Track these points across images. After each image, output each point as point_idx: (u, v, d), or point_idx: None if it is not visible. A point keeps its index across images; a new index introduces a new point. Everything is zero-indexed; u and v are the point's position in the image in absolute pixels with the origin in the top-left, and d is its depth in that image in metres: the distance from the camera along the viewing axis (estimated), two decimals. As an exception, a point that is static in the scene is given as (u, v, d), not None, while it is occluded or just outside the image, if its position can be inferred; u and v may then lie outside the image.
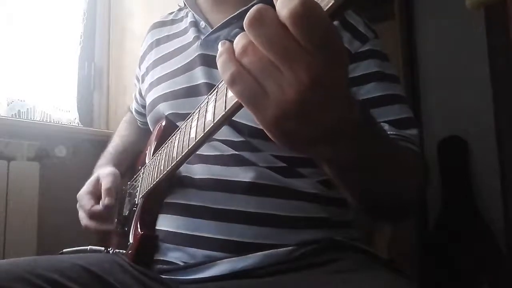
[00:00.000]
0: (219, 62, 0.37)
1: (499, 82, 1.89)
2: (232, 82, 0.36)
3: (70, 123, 1.80)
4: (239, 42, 0.36)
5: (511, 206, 1.81)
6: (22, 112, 1.64)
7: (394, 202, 0.58)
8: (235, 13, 0.77)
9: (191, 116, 0.57)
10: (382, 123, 0.68)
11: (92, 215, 0.83)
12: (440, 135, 2.06)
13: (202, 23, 0.84)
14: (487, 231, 1.89)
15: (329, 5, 0.33)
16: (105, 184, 0.85)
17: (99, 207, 0.83)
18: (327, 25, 0.32)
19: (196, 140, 0.53)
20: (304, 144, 0.38)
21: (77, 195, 0.87)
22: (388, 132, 0.67)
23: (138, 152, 0.98)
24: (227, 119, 0.48)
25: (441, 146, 2.06)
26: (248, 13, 0.34)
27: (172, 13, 0.98)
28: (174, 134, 0.66)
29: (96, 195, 0.85)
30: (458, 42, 2.04)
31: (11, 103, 1.62)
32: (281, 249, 0.68)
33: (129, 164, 0.97)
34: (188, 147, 0.56)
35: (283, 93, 0.34)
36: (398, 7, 2.14)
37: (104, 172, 0.88)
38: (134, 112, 1.09)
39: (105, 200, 0.82)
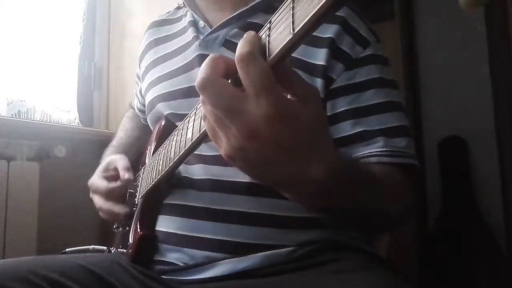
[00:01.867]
0: None
1: (499, 82, 1.90)
2: (203, 119, 0.44)
3: (70, 123, 1.80)
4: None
5: (511, 206, 1.81)
6: (22, 112, 1.64)
7: (370, 225, 0.63)
8: (235, 13, 0.77)
9: (188, 116, 0.57)
10: (376, 138, 0.69)
11: (109, 193, 0.81)
12: (440, 135, 2.06)
13: (201, 23, 0.83)
14: (487, 231, 1.89)
15: (272, 56, 0.38)
16: (121, 163, 0.84)
17: (116, 184, 0.82)
18: (267, 73, 0.37)
19: (193, 141, 0.53)
20: (261, 181, 0.44)
21: (88, 182, 0.86)
22: (380, 150, 0.68)
23: (141, 148, 0.97)
24: None
25: (441, 146, 2.06)
26: (197, 79, 0.40)
27: (169, 12, 0.98)
28: (172, 135, 0.66)
29: (108, 179, 0.84)
30: (458, 42, 2.03)
31: (11, 103, 1.62)
32: (281, 249, 0.68)
33: (133, 159, 0.97)
34: (185, 147, 0.56)
35: (228, 140, 0.41)
36: (398, 7, 2.14)
37: (115, 156, 0.88)
38: (136, 110, 1.09)
39: (125, 176, 0.81)
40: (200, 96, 0.42)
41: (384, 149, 0.68)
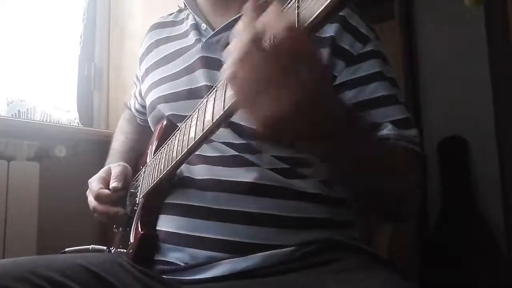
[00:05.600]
0: (225, 52, 0.42)
1: (499, 82, 1.90)
2: (232, 79, 0.41)
3: (70, 123, 1.80)
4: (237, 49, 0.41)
5: (511, 206, 1.81)
6: (22, 112, 1.64)
7: (388, 197, 0.62)
8: (237, 16, 0.77)
9: (190, 116, 0.57)
10: (385, 123, 0.70)
11: (98, 197, 0.82)
12: (440, 135, 2.07)
13: (203, 25, 0.83)
14: (487, 231, 1.89)
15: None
16: (114, 170, 0.86)
17: (106, 190, 0.82)
18: (304, 44, 0.39)
19: (196, 140, 0.53)
20: (295, 140, 0.45)
21: (88, 180, 0.87)
22: (391, 132, 0.69)
23: (141, 150, 0.97)
24: (226, 119, 0.48)
25: (441, 146, 2.07)
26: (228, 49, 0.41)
27: (172, 14, 0.97)
28: (174, 134, 0.66)
29: (106, 180, 0.85)
30: (458, 42, 2.04)
31: (11, 103, 1.62)
32: (282, 249, 0.68)
33: (135, 162, 0.97)
34: (188, 146, 0.56)
35: (272, 107, 0.39)
36: (398, 7, 2.14)
37: (116, 163, 0.89)
38: (134, 110, 1.09)
39: (112, 184, 0.82)
40: (243, 54, 0.40)
41: (395, 133, 0.69)
